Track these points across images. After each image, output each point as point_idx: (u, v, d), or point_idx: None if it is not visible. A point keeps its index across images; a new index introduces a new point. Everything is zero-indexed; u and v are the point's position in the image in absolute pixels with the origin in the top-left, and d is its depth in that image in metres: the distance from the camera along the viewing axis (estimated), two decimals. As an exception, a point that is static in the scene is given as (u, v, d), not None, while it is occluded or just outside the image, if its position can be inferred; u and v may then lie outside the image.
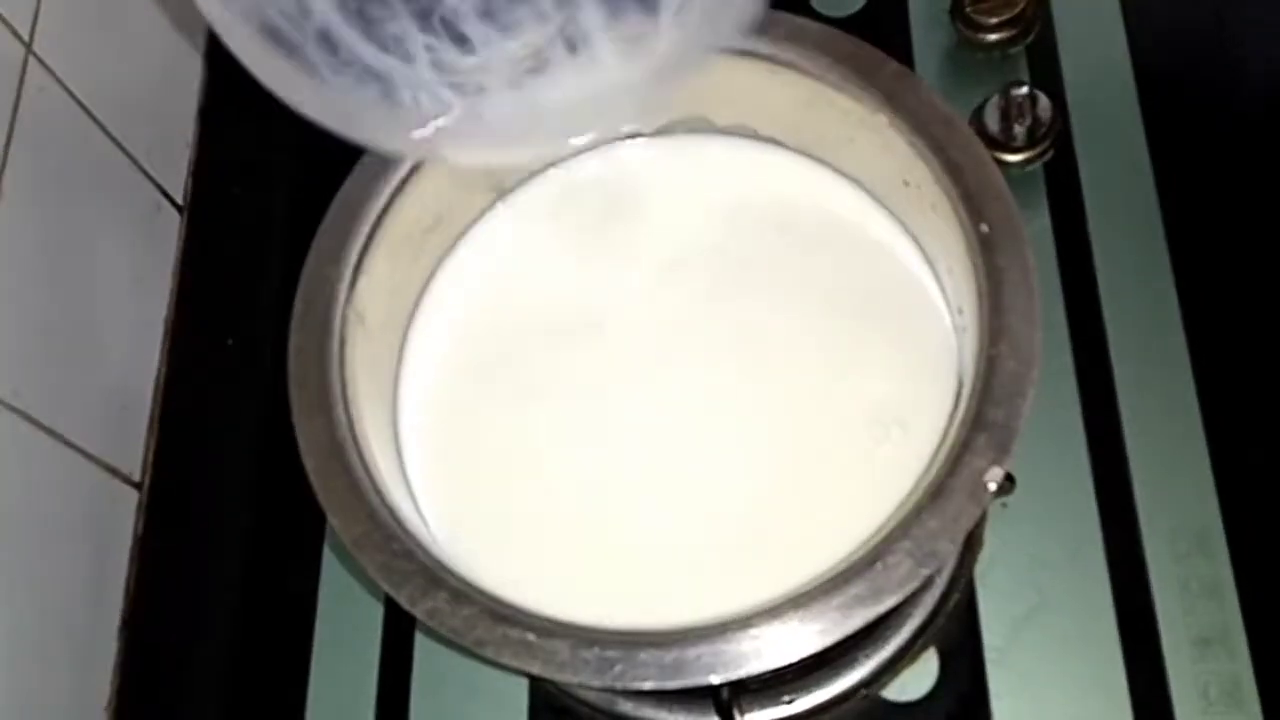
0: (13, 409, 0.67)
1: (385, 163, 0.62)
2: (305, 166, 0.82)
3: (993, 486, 0.52)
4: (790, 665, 0.51)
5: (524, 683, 0.69)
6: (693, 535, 0.60)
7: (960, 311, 0.61)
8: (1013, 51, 0.80)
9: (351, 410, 0.58)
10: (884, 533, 0.53)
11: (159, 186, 0.81)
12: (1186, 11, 0.80)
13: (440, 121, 0.53)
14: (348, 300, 0.60)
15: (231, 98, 0.86)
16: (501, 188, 0.68)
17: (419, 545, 0.55)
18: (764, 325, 0.63)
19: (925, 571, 0.51)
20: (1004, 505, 0.69)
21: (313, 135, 0.82)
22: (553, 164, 0.68)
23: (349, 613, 0.71)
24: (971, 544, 0.69)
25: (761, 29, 0.61)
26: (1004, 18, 0.79)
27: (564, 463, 0.62)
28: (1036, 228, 0.74)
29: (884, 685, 0.67)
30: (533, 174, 0.68)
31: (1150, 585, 0.67)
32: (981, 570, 0.68)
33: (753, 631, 0.51)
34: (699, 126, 0.67)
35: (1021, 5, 0.79)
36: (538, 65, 0.54)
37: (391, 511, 0.56)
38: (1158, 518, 0.68)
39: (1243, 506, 0.68)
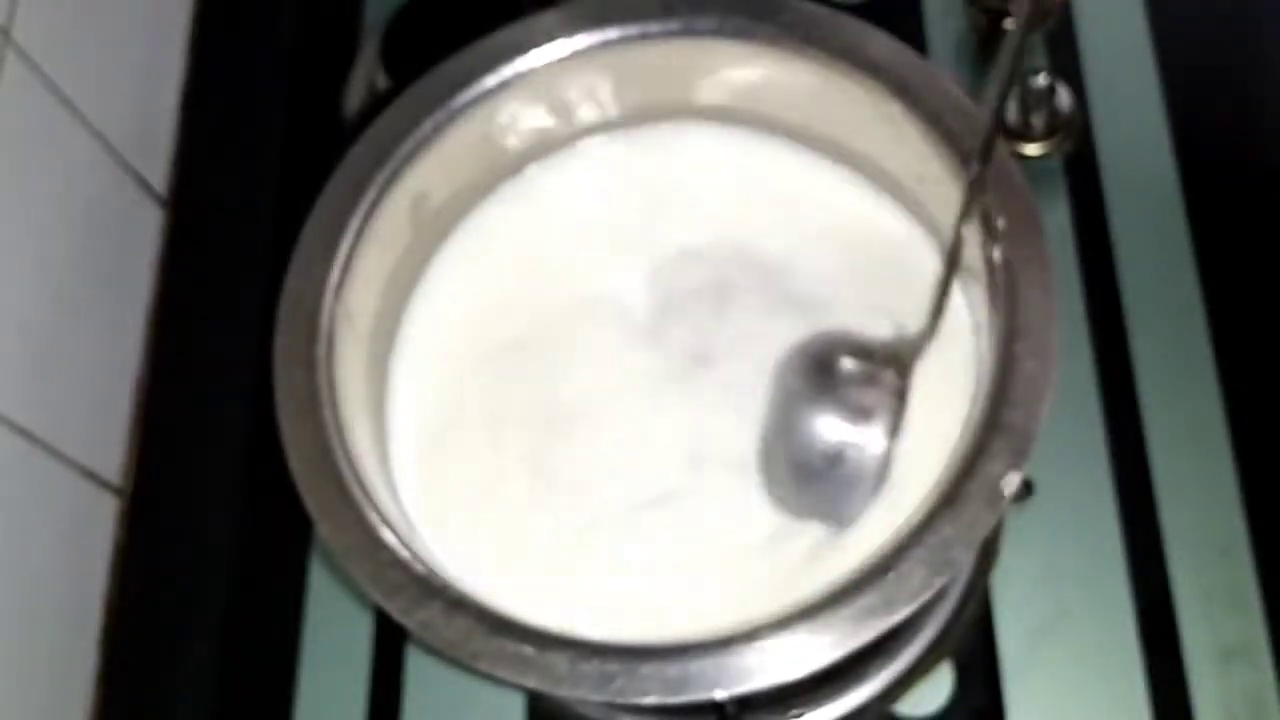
0: (-14, 411, 0.66)
1: (374, 155, 0.61)
2: (291, 158, 0.82)
3: (1010, 492, 0.51)
4: (798, 679, 0.50)
5: (519, 697, 0.68)
6: (700, 540, 0.59)
7: (976, 309, 0.59)
8: (1031, 39, 0.78)
9: (340, 414, 0.57)
10: (897, 541, 0.51)
11: (140, 179, 0.81)
12: (1209, -2, 0.80)
13: None
14: (336, 299, 0.59)
15: (215, 87, 0.86)
16: (496, 180, 0.66)
17: (411, 554, 0.54)
18: (771, 325, 0.62)
19: (940, 581, 0.50)
20: (1021, 512, 0.68)
21: (299, 125, 0.83)
22: (551, 159, 0.67)
23: (337, 624, 0.71)
24: (987, 552, 0.68)
25: (772, 14, 0.60)
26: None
27: (561, 467, 0.61)
28: (1055, 222, 0.73)
29: (897, 699, 0.66)
30: (532, 164, 0.67)
31: (1173, 595, 0.66)
32: (998, 580, 0.68)
33: (759, 644, 0.50)
34: (706, 115, 0.66)
35: (1040, -10, 0.78)
36: None
37: (382, 519, 0.55)
38: (1181, 525, 0.67)
39: (1268, 514, 0.67)
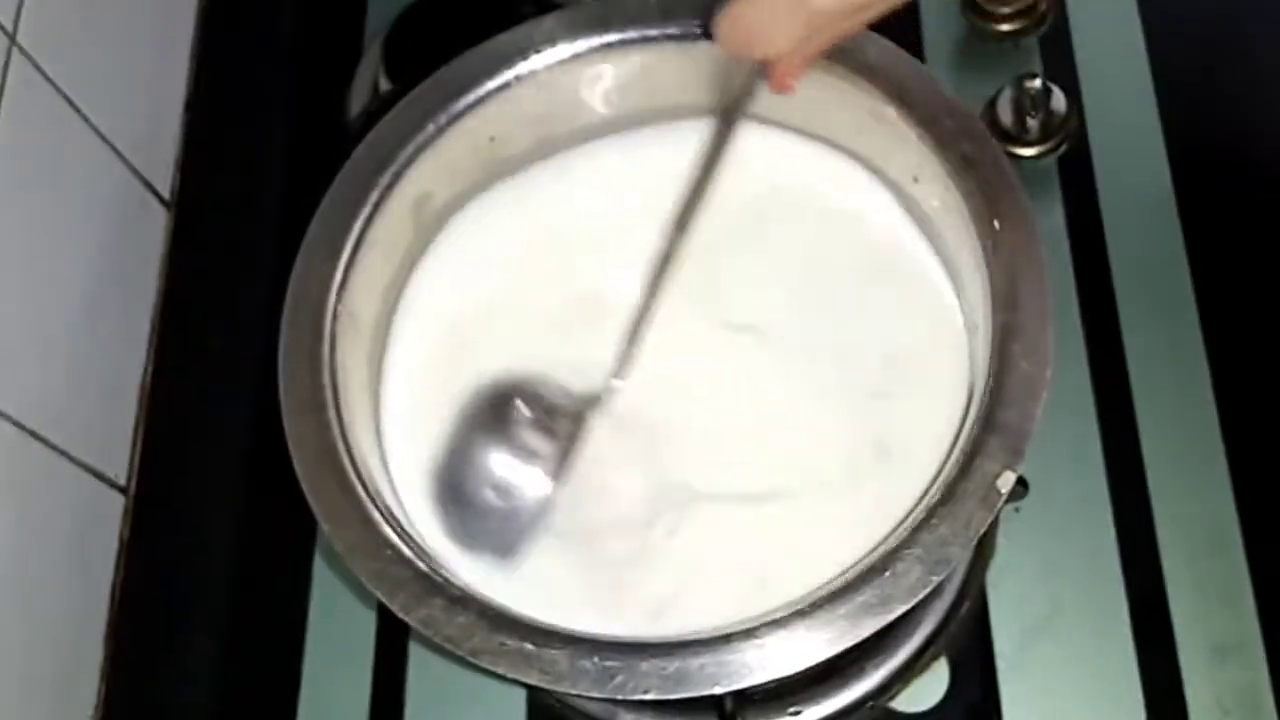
0: (-6, 410, 0.66)
1: (377, 158, 0.61)
2: (295, 161, 0.82)
3: (1005, 491, 0.52)
4: (796, 675, 0.51)
5: (522, 693, 0.68)
6: (697, 539, 0.59)
7: (972, 310, 0.60)
8: (1025, 43, 0.79)
9: (343, 412, 0.57)
10: (894, 539, 0.52)
11: (145, 181, 0.80)
12: (1201, 1, 0.80)
13: None
14: (339, 299, 0.59)
15: (220, 91, 0.86)
16: (498, 182, 0.67)
17: (413, 551, 0.54)
18: (768, 324, 0.63)
19: (935, 578, 0.50)
20: (1016, 510, 0.68)
21: (303, 128, 0.82)
22: (551, 161, 0.67)
23: (341, 621, 0.71)
24: (983, 550, 0.68)
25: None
26: (1016, 8, 0.78)
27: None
28: (1050, 223, 0.73)
29: (893, 695, 0.66)
30: (532, 166, 0.67)
31: (1166, 592, 0.66)
32: (993, 577, 0.68)
33: (758, 641, 0.50)
34: (704, 116, 0.65)
35: (1034, -5, 0.78)
36: None
37: (385, 516, 0.55)
38: (1174, 523, 0.67)
39: (1261, 511, 0.67)
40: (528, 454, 0.59)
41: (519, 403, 0.59)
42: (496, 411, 0.60)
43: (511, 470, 0.59)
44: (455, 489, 0.59)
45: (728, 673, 0.50)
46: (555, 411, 0.59)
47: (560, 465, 0.58)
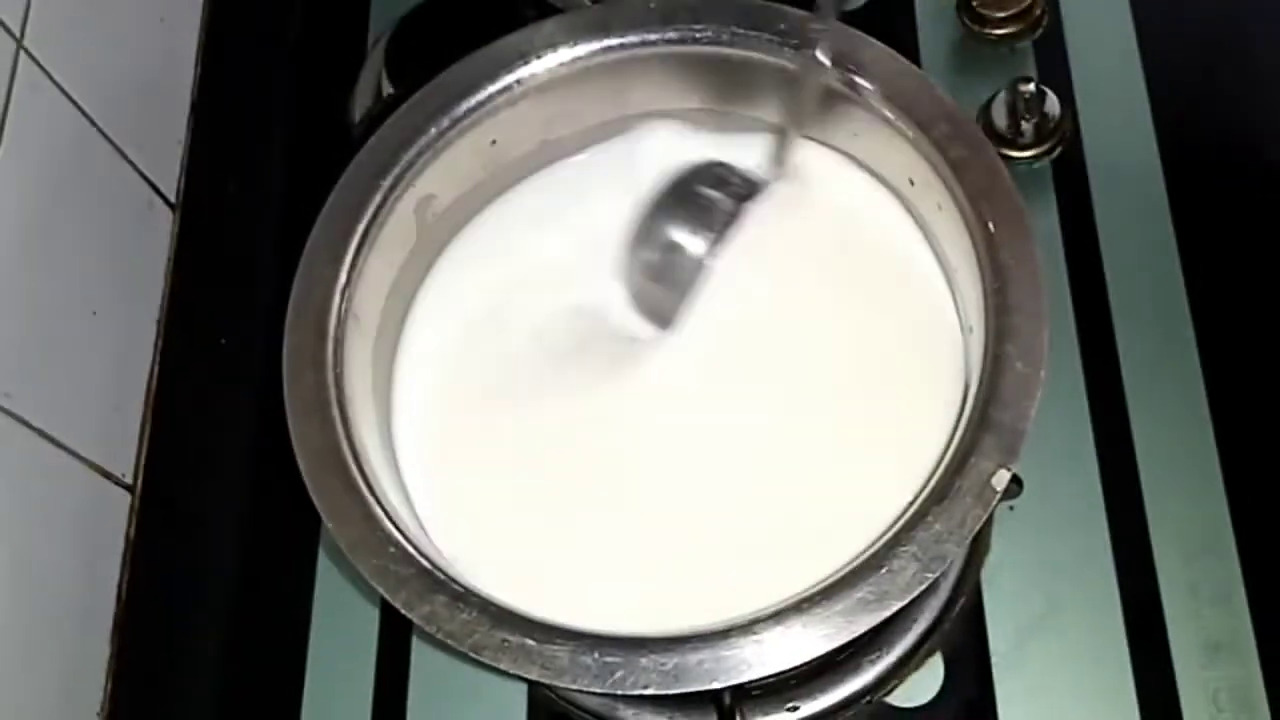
0: (2, 410, 0.66)
1: (380, 161, 0.62)
2: (300, 163, 0.82)
3: (1000, 489, 0.52)
4: (794, 671, 0.51)
5: (523, 688, 0.69)
6: (696, 538, 0.59)
7: (967, 311, 0.60)
8: (1020, 46, 0.79)
9: (347, 411, 0.58)
10: (889, 536, 0.52)
11: (151, 183, 0.81)
12: (1196, 5, 0.80)
13: None
14: (343, 300, 0.60)
15: (224, 94, 0.86)
16: (500, 185, 0.67)
17: (416, 549, 0.55)
18: (768, 325, 0.63)
19: (931, 575, 0.51)
20: (1011, 508, 0.68)
21: (306, 131, 0.83)
22: (554, 165, 0.68)
23: (344, 617, 0.71)
24: (978, 547, 0.68)
25: (769, 23, 0.61)
26: (1011, 12, 0.78)
27: (564, 464, 0.61)
28: (1044, 226, 0.74)
29: (889, 691, 0.66)
30: (535, 170, 0.67)
31: (1159, 590, 0.67)
32: (988, 574, 0.68)
33: (756, 636, 0.51)
34: (705, 121, 0.66)
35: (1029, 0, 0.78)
36: None
37: (388, 514, 0.55)
38: (1167, 521, 0.68)
39: (1252, 509, 0.68)
40: (700, 226, 0.63)
41: (704, 182, 0.64)
42: (683, 187, 0.64)
43: (682, 237, 0.63)
44: (638, 256, 0.64)
45: (726, 668, 0.50)
46: (731, 190, 0.64)
47: (720, 239, 0.63)
